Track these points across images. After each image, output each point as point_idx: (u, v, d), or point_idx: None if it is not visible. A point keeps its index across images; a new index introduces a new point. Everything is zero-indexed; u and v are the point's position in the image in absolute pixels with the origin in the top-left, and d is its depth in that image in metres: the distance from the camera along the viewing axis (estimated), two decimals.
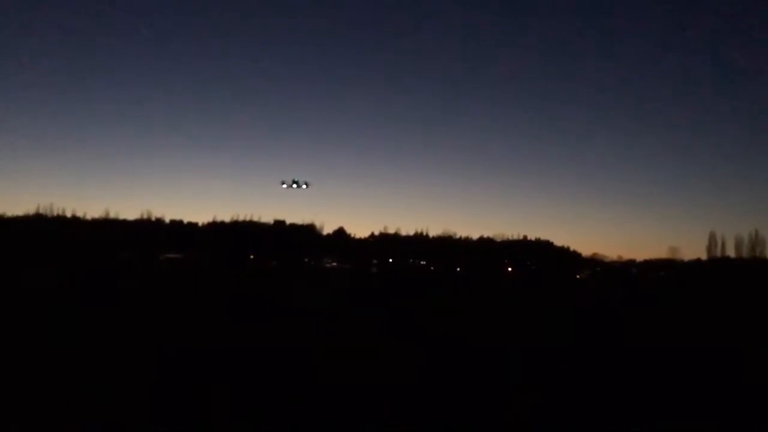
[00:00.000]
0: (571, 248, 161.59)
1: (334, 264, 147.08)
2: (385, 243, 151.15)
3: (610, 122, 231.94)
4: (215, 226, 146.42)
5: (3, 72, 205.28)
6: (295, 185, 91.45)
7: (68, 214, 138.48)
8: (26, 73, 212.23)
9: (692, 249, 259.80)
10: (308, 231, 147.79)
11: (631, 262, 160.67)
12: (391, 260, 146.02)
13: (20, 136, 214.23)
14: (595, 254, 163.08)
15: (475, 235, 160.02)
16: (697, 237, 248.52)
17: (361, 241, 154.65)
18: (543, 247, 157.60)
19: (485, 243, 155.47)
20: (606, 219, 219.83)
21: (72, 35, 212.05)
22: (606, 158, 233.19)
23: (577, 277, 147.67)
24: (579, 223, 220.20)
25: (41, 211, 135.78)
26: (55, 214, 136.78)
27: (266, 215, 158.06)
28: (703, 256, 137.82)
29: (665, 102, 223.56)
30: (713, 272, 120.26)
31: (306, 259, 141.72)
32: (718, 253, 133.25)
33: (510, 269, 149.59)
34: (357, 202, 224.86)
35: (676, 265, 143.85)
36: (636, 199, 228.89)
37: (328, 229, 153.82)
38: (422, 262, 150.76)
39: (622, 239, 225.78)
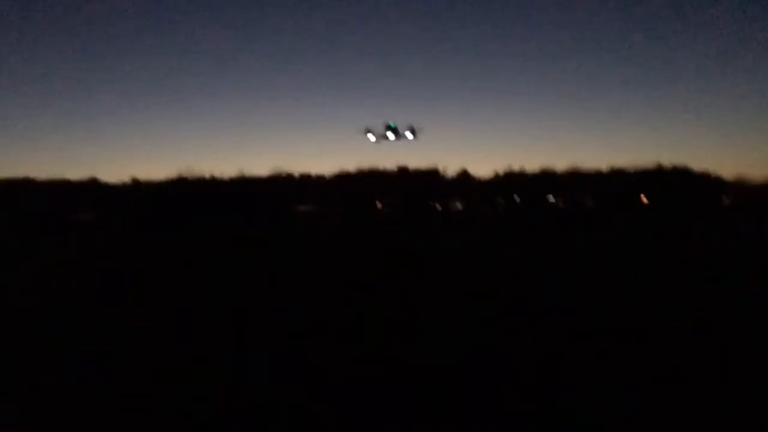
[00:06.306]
0: (712, 173, 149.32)
1: (459, 206, 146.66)
2: (510, 182, 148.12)
3: (747, 39, 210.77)
4: (341, 177, 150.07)
5: (159, 49, 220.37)
6: (390, 133, 65.84)
7: (207, 176, 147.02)
8: (169, 48, 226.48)
9: None
10: (432, 175, 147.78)
11: None
12: (517, 198, 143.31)
13: (159, 103, 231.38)
14: (740, 176, 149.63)
15: (605, 167, 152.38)
16: None
17: (485, 181, 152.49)
18: (680, 174, 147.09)
19: (617, 174, 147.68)
20: (750, 135, 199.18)
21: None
22: (745, 67, 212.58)
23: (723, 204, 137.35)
24: (719, 143, 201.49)
25: (183, 174, 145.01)
26: (195, 176, 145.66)
27: (389, 162, 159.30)
28: None
29: None
30: None
31: (432, 203, 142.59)
32: None
33: (646, 201, 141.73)
34: (479, 142, 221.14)
35: None
36: None
37: (451, 172, 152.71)
38: (551, 199, 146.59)
39: None
